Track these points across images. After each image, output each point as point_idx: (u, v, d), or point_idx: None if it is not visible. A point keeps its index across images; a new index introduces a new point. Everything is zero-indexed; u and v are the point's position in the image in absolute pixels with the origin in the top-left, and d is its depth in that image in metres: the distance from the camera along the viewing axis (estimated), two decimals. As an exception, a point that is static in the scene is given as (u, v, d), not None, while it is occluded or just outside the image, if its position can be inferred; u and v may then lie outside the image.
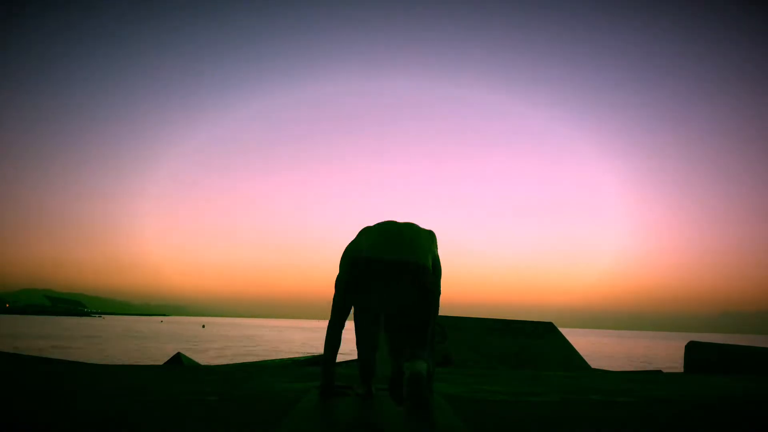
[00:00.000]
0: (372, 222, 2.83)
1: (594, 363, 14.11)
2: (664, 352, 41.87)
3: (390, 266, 2.55)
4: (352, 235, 2.84)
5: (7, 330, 49.05)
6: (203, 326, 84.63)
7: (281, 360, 11.46)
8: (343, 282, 2.76)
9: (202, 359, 19.48)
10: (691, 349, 9.90)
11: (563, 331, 10.35)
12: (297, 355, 15.21)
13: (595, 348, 45.71)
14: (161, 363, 12.17)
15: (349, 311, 2.82)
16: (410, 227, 2.77)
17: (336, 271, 2.79)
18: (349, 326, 2.95)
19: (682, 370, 10.47)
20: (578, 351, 9.76)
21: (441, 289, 2.90)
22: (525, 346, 9.25)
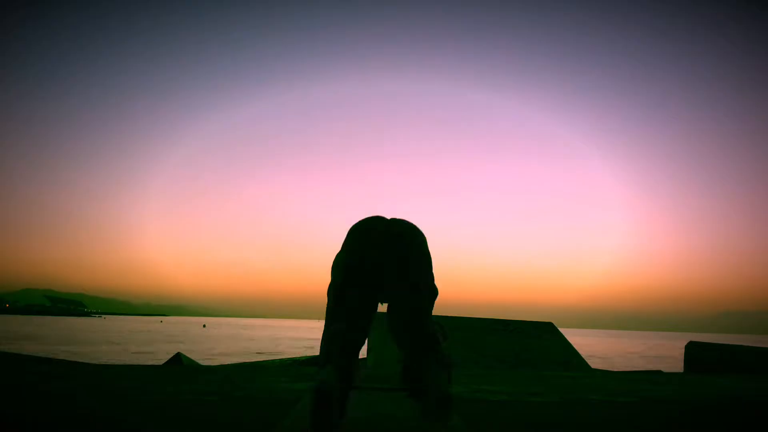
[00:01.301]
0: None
1: (594, 363, 14.11)
2: (664, 352, 41.83)
3: (386, 226, 2.43)
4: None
5: (7, 330, 48.98)
6: (204, 326, 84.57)
7: (281, 360, 11.46)
8: (338, 263, 2.50)
9: (202, 359, 19.46)
10: (691, 349, 9.90)
11: (563, 331, 10.34)
12: (297, 355, 15.20)
13: (595, 348, 45.66)
14: (161, 363, 12.16)
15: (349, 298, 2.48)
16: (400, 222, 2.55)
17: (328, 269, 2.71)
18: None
19: (682, 370, 10.47)
20: (578, 351, 9.76)
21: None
22: (525, 346, 9.24)
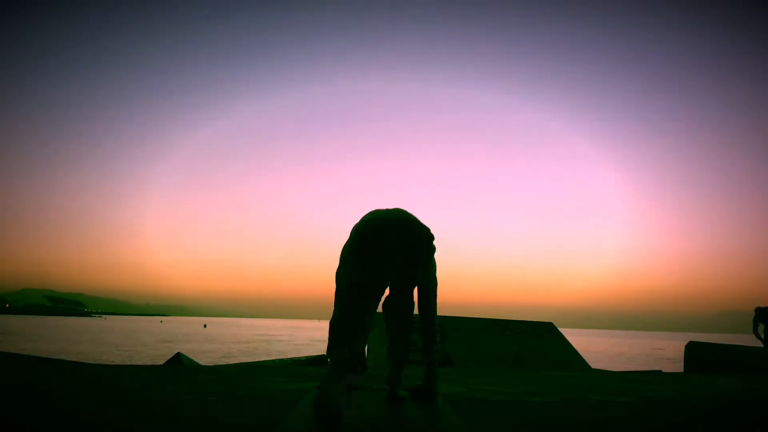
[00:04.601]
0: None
1: (594, 363, 14.11)
2: (664, 352, 41.82)
3: (389, 222, 2.41)
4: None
5: (7, 330, 48.98)
6: (205, 326, 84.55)
7: (281, 360, 11.44)
8: (345, 252, 2.49)
9: (202, 359, 19.45)
10: (691, 349, 9.92)
11: (563, 331, 10.34)
12: (297, 355, 15.20)
13: (595, 348, 45.63)
14: (161, 363, 12.15)
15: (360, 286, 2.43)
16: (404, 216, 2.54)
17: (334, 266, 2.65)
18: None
19: (682, 370, 10.48)
20: (578, 351, 9.76)
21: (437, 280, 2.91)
22: (525, 346, 9.24)
